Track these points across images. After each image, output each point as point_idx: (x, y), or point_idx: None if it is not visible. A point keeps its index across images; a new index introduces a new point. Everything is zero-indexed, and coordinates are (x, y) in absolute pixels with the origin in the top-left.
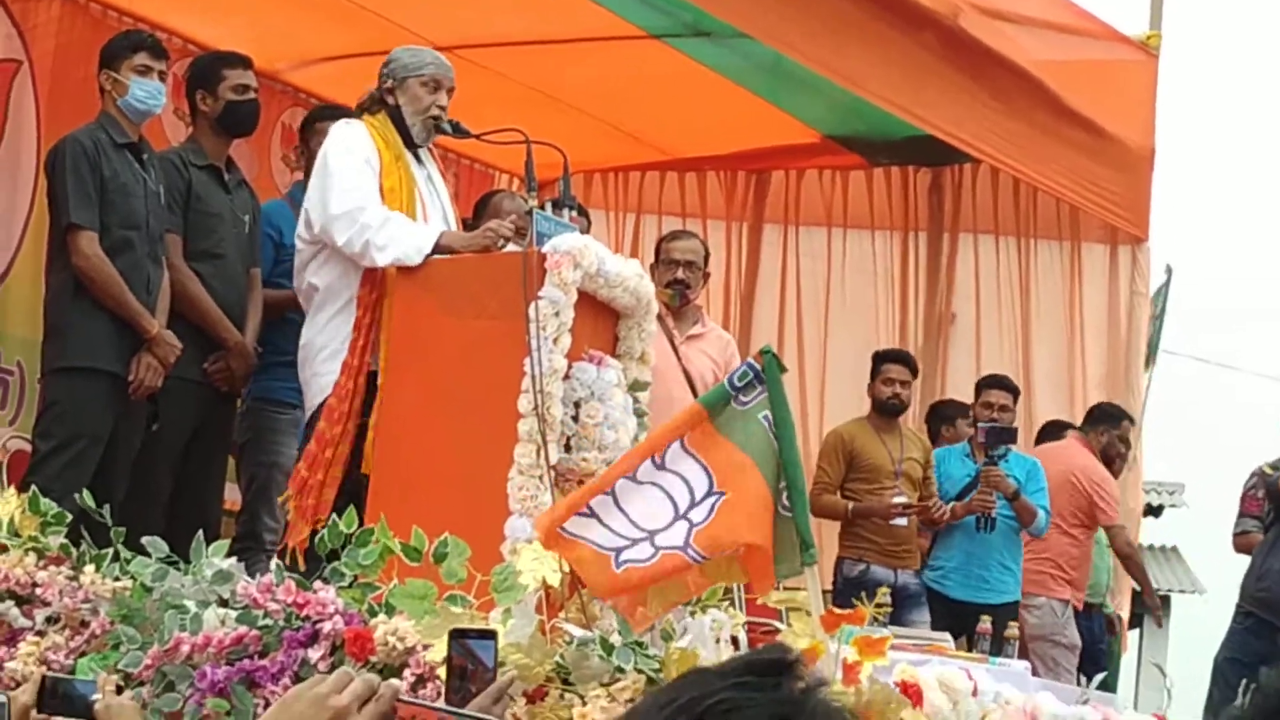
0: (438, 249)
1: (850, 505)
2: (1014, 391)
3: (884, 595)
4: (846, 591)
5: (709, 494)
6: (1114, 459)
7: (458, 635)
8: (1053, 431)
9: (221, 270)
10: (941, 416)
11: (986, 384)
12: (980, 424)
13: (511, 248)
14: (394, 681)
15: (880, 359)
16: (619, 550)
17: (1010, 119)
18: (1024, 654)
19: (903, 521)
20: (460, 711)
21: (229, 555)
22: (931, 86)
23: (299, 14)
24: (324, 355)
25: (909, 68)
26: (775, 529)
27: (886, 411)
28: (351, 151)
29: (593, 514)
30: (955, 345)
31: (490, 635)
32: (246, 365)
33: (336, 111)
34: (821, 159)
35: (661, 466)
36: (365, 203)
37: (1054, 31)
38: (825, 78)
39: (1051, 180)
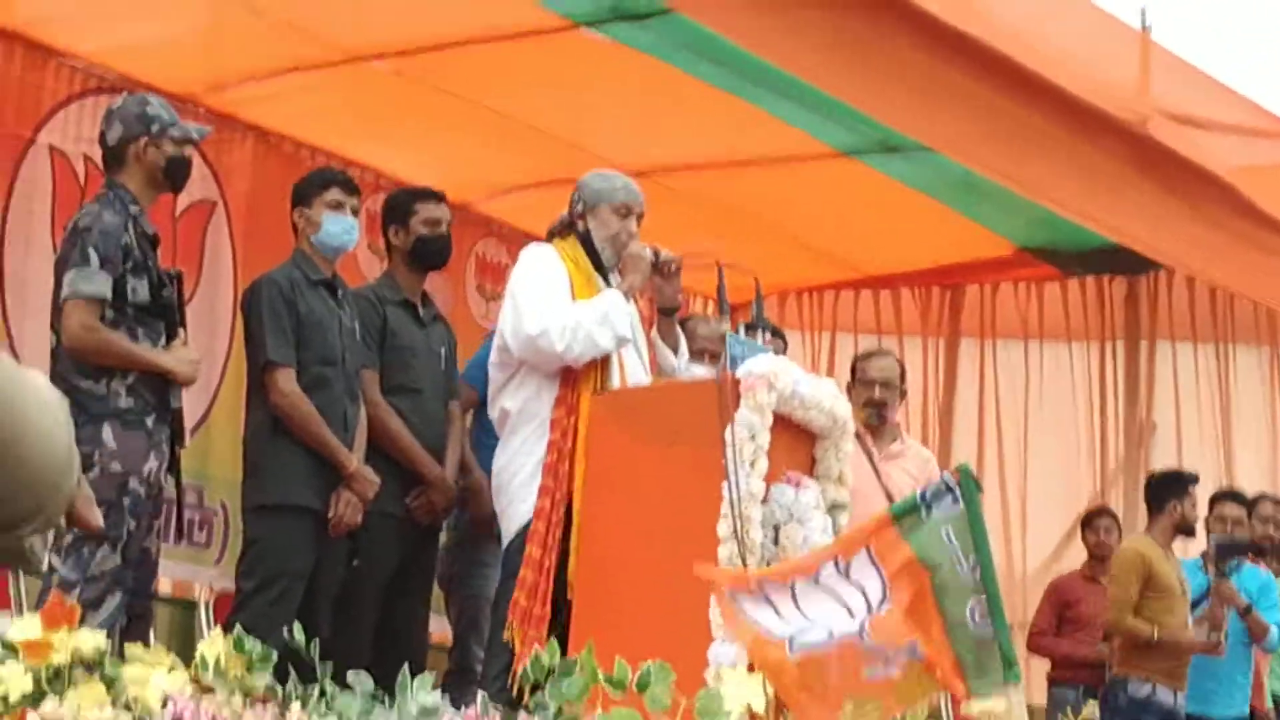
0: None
1: (1155, 632)
2: (1248, 505)
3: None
4: (1131, 712)
5: (884, 602)
6: None
7: None
8: None
9: (419, 405)
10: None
11: (1220, 498)
12: (1212, 537)
13: (703, 372)
14: None
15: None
16: (793, 636)
17: (1203, 226)
18: None
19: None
20: None
21: (442, 690)
22: (1122, 196)
23: (491, 144)
24: (519, 480)
25: (1098, 177)
26: (969, 644)
27: (1186, 533)
28: (542, 272)
29: (767, 600)
30: (1157, 455)
31: None
32: (448, 498)
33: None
34: (1016, 271)
35: (845, 575)
36: (564, 307)
37: (1246, 137)
38: (1015, 191)
39: (1247, 286)
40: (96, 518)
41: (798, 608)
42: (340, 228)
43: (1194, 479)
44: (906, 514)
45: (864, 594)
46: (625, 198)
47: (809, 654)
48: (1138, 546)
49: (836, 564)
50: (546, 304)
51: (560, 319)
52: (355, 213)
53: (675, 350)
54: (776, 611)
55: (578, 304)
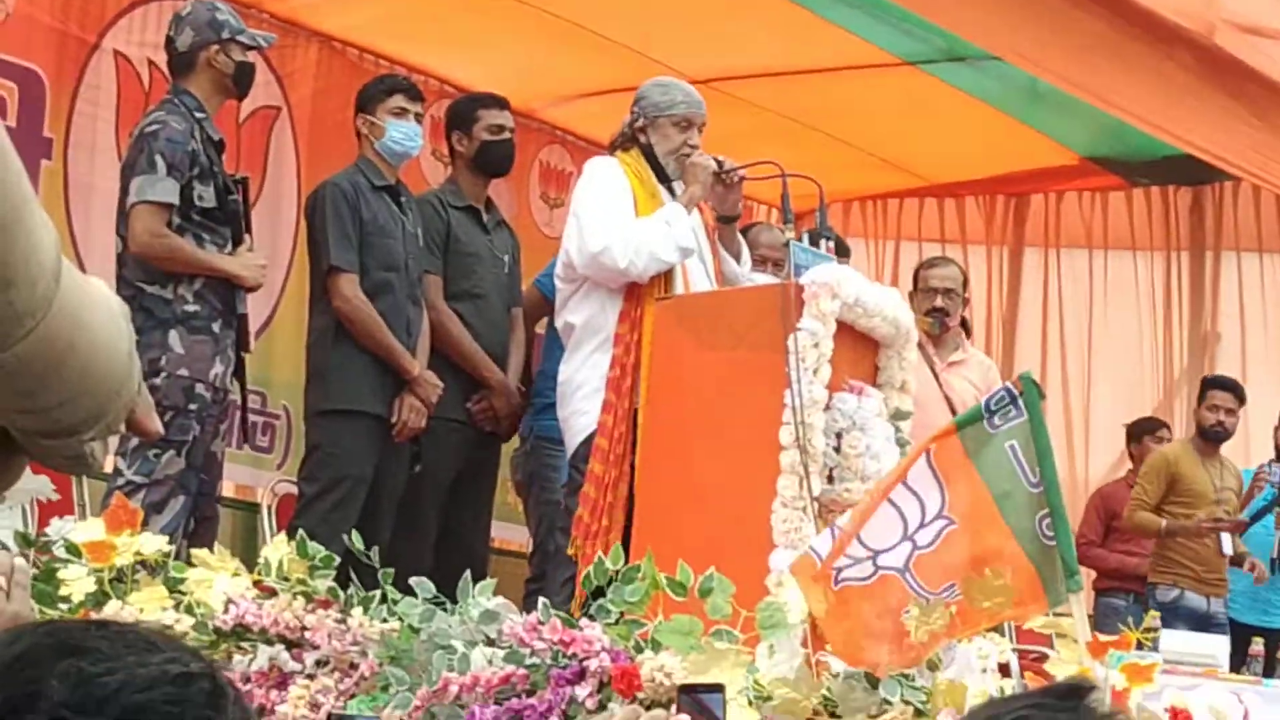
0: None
1: (1164, 524)
2: None
3: (1153, 619)
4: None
5: (939, 516)
6: None
7: (686, 690)
8: None
9: (482, 310)
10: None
11: None
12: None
13: (767, 279)
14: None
15: (1207, 384)
16: (841, 568)
17: (1270, 135)
18: None
19: (1230, 551)
20: None
21: (525, 595)
22: (1188, 105)
23: (554, 51)
24: (583, 393)
25: (1165, 87)
26: (1036, 556)
27: (1209, 438)
28: (605, 187)
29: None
30: (1220, 366)
31: (719, 689)
32: (510, 404)
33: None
34: (1080, 180)
35: (911, 490)
36: (626, 222)
37: None
38: (1081, 99)
39: None
40: (156, 424)
41: (861, 542)
42: (404, 134)
43: (1215, 382)
44: (970, 424)
45: (920, 501)
46: (686, 110)
47: (849, 587)
48: (1166, 450)
49: (905, 483)
50: (609, 220)
51: (623, 234)
52: (419, 119)
53: (738, 258)
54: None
55: (641, 219)
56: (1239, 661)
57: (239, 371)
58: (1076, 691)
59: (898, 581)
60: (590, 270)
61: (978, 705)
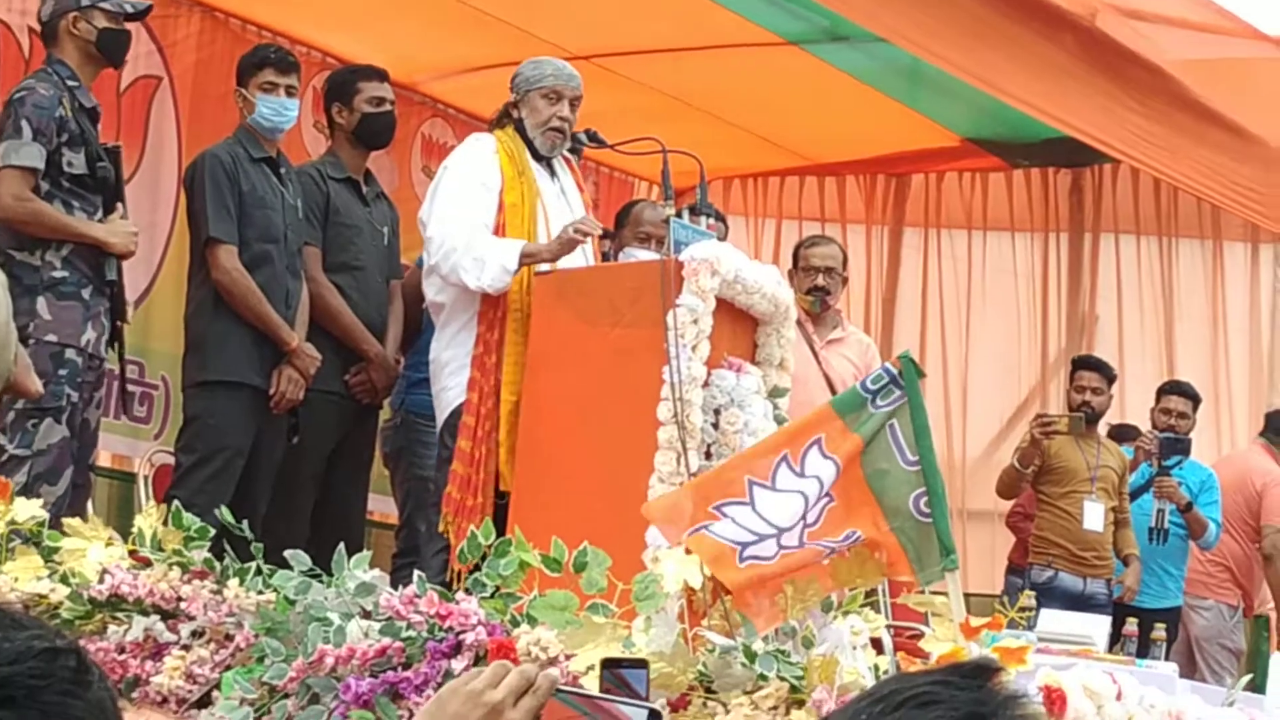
0: (524, 260)
1: (1014, 459)
2: (1194, 399)
3: (1028, 598)
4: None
5: (823, 495)
6: None
7: (610, 665)
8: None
9: (361, 282)
10: (1119, 439)
11: (1167, 390)
12: (1157, 433)
13: (648, 255)
14: (551, 671)
15: (1076, 365)
16: (744, 545)
17: (1149, 119)
18: (1190, 656)
19: (1097, 527)
20: (622, 700)
21: (392, 570)
22: (1070, 88)
23: (436, 26)
24: (450, 369)
25: (1047, 69)
26: (910, 535)
27: (1086, 419)
28: (465, 172)
29: (727, 516)
30: (1098, 346)
31: (643, 665)
32: (387, 377)
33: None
34: (961, 162)
35: (802, 474)
36: (460, 227)
37: (1193, 31)
38: (963, 81)
39: (1192, 180)
40: (35, 384)
41: (757, 513)
42: (272, 109)
43: (1082, 362)
44: (851, 408)
45: (820, 482)
46: (554, 83)
47: (755, 565)
48: None
49: (789, 464)
50: (450, 226)
51: (450, 246)
52: (291, 92)
53: None
54: (735, 522)
55: (477, 239)
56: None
57: (116, 341)
58: (983, 671)
59: (797, 554)
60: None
61: (884, 679)
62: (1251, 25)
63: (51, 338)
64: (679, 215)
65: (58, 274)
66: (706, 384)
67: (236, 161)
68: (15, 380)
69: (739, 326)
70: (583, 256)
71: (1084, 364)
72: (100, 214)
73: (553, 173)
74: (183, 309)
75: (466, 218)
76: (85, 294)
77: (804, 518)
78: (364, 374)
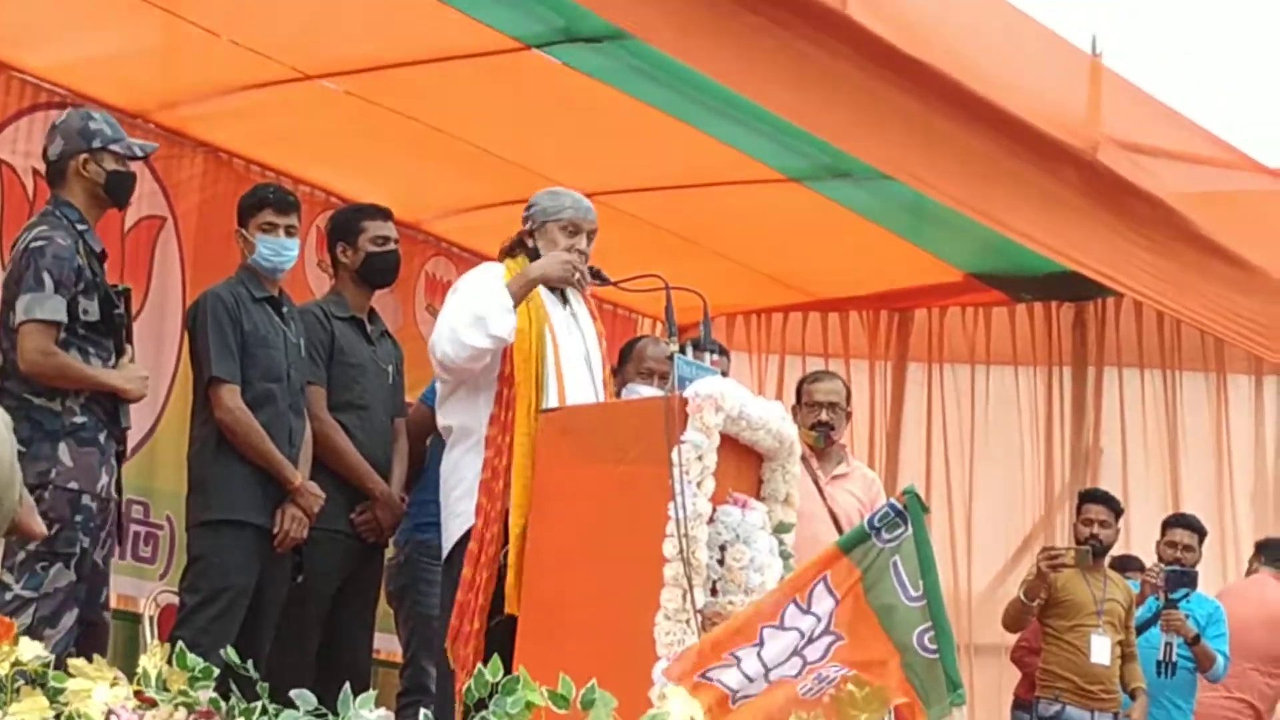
0: (515, 291)
1: (1020, 592)
2: (1200, 532)
3: None
4: None
5: (826, 631)
6: None
7: None
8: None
9: (366, 421)
10: (1121, 569)
11: (1172, 523)
12: (1163, 567)
13: (652, 391)
14: None
15: (1083, 498)
16: (737, 691)
17: (1152, 252)
18: None
19: (1104, 660)
20: None
21: (397, 710)
22: (1072, 222)
23: (441, 166)
24: (457, 493)
25: (1049, 203)
26: (918, 671)
27: (1093, 552)
28: (472, 294)
29: (736, 662)
30: (1103, 479)
31: None
32: (393, 515)
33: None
34: (964, 296)
35: (807, 610)
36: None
37: (1194, 164)
38: (966, 216)
39: (1195, 313)
40: (40, 526)
41: (760, 656)
42: (272, 249)
43: (1089, 495)
44: (856, 544)
45: (817, 618)
46: (573, 215)
47: (748, 701)
48: None
49: (798, 604)
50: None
51: (442, 322)
52: (291, 232)
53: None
54: (740, 667)
55: (471, 304)
56: None
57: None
58: None
59: (790, 685)
60: (435, 365)
61: None
62: (1253, 158)
63: (72, 484)
64: (682, 351)
65: (78, 419)
66: (712, 520)
67: (239, 301)
68: (19, 521)
69: (744, 462)
70: (590, 387)
71: (1091, 497)
72: (112, 358)
73: (564, 300)
74: (186, 448)
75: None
76: (101, 438)
77: (801, 653)
78: (369, 513)
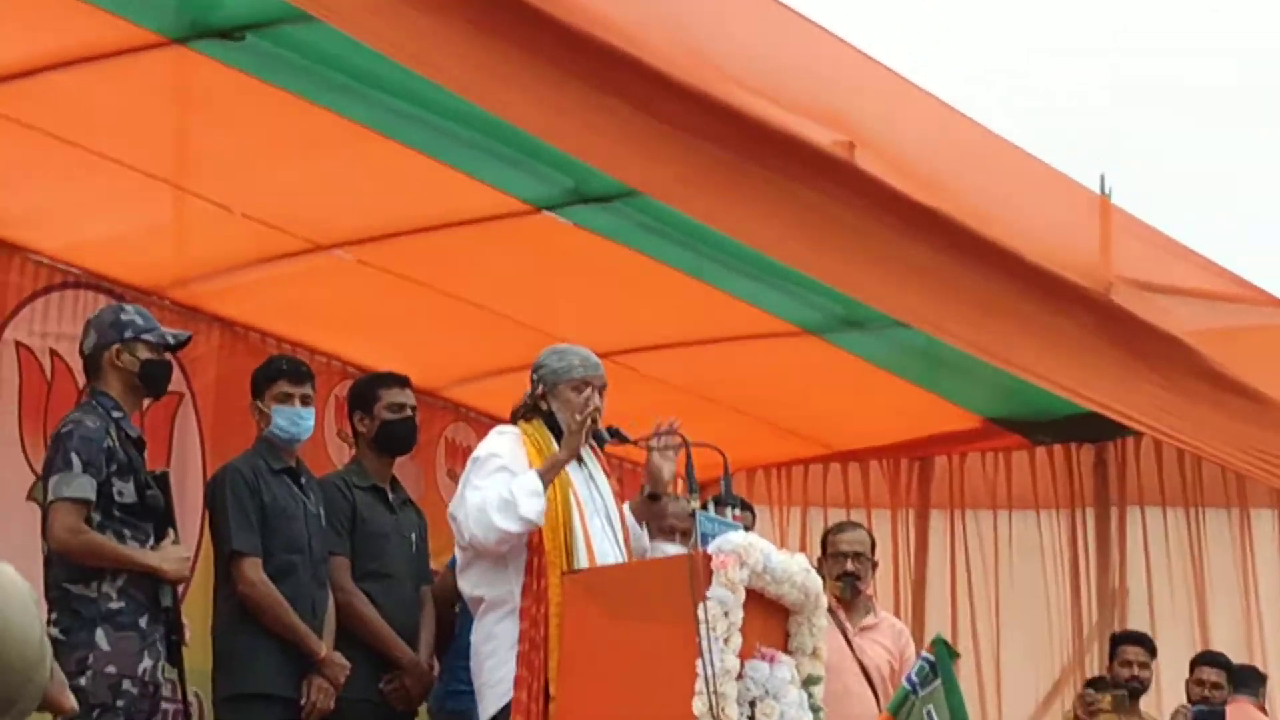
0: (546, 475)
1: None
2: (1228, 669)
3: None
4: None
5: None
6: None
7: None
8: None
9: (391, 590)
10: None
11: (1201, 661)
12: (1190, 707)
13: (675, 549)
14: None
15: (1118, 640)
16: None
17: (1169, 390)
18: None
19: None
20: None
21: None
22: (1088, 362)
23: (456, 331)
24: (492, 663)
25: (1064, 345)
26: None
27: (1129, 694)
28: (493, 463)
29: None
30: (1130, 620)
31: None
32: (422, 683)
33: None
34: (983, 442)
35: None
36: (475, 498)
37: (1208, 300)
38: (981, 360)
39: (1214, 448)
40: (70, 700)
41: None
42: (288, 420)
43: (1126, 637)
44: (900, 705)
45: None
46: (582, 374)
47: None
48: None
49: None
50: (472, 494)
51: (475, 506)
52: (307, 401)
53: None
54: None
55: (500, 487)
56: None
57: (175, 660)
58: None
59: None
60: (457, 537)
61: None
62: (1268, 292)
63: (111, 669)
64: (704, 508)
65: (114, 605)
66: (740, 676)
67: (257, 474)
68: (50, 696)
69: (770, 616)
70: (612, 547)
71: (1128, 639)
72: (151, 541)
73: (580, 460)
74: (210, 623)
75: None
76: (142, 623)
77: None
78: (398, 681)
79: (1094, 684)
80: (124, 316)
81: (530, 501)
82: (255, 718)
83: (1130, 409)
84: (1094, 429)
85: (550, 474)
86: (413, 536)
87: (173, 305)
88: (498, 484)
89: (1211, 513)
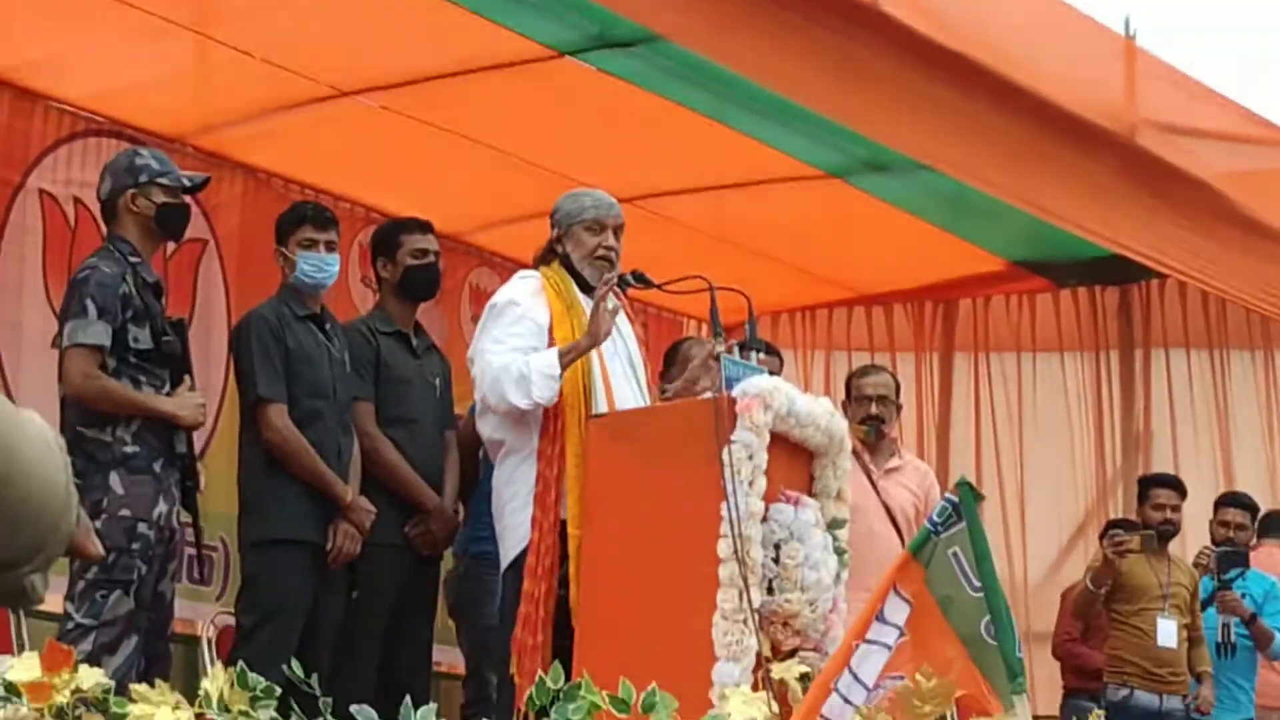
0: (565, 358)
1: (1087, 580)
2: (1252, 509)
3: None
4: (1112, 718)
5: (898, 630)
6: None
7: None
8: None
9: (415, 435)
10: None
11: (1224, 502)
12: (1214, 548)
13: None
14: None
15: (1148, 483)
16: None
17: (1194, 233)
18: None
19: (1171, 644)
20: None
21: None
22: (1113, 205)
23: (480, 176)
24: (513, 506)
25: (1089, 188)
26: (988, 658)
27: (1158, 536)
28: (511, 310)
29: (841, 695)
30: (1154, 462)
31: None
32: (447, 528)
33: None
34: (1008, 285)
35: (884, 620)
36: (498, 355)
37: (1233, 143)
38: (1007, 204)
39: (1239, 291)
40: (97, 547)
41: (857, 677)
42: (313, 265)
43: (1156, 480)
44: (922, 545)
45: (898, 629)
46: (595, 214)
47: None
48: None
49: (880, 617)
50: (500, 346)
51: (490, 367)
52: (331, 247)
53: None
54: (838, 691)
55: (514, 355)
56: None
57: (190, 507)
58: None
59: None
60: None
61: None
62: None
63: (125, 513)
64: (729, 351)
65: (128, 449)
66: (765, 519)
67: (282, 320)
68: (77, 543)
69: (794, 460)
70: (633, 390)
71: (1158, 482)
72: (168, 387)
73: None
74: (236, 469)
75: (507, 345)
76: (156, 467)
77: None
78: (423, 526)
79: (1120, 525)
80: (139, 160)
81: (544, 384)
82: (281, 563)
83: (1155, 251)
84: (1119, 271)
85: (569, 357)
86: (436, 382)
87: (196, 152)
88: (518, 346)
89: (1236, 355)
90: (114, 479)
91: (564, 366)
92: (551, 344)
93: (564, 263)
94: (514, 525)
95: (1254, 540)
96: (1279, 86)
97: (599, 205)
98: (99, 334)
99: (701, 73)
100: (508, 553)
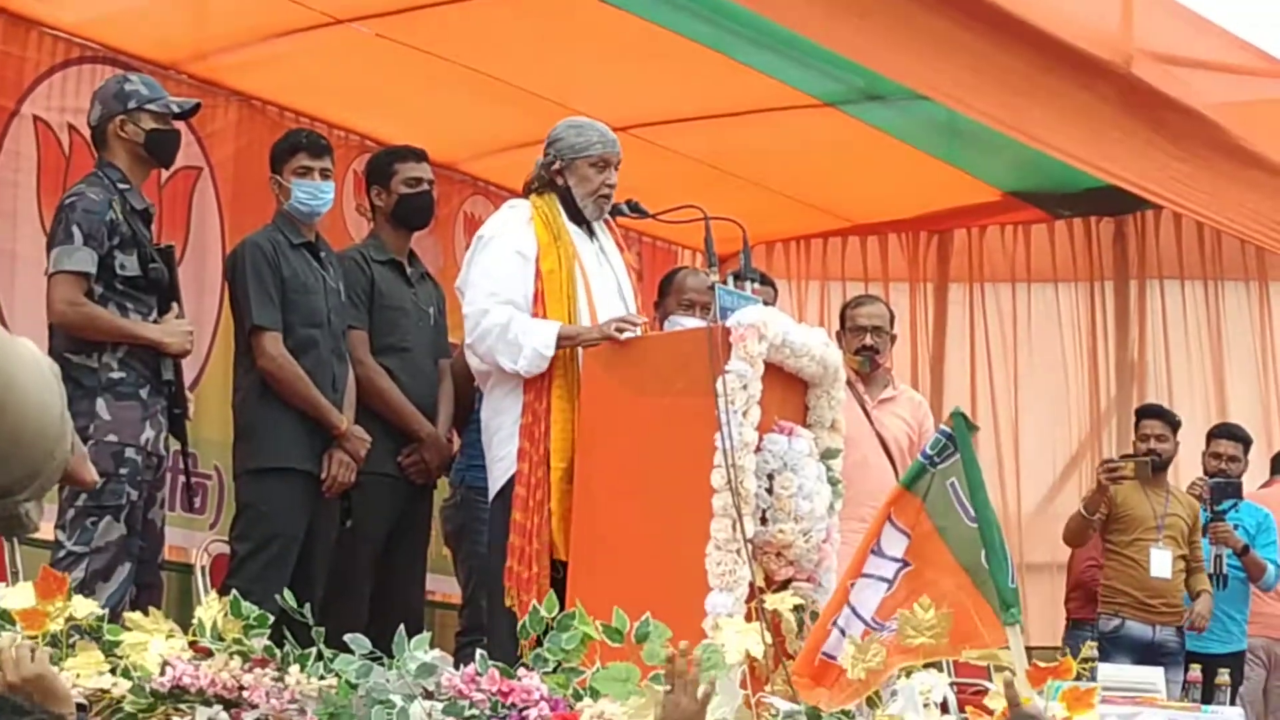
0: (561, 343)
1: (1081, 506)
2: (1245, 441)
3: (1091, 649)
4: (1104, 648)
5: (898, 561)
6: None
7: None
8: None
9: (409, 363)
10: None
11: (1217, 434)
12: (1207, 479)
13: (694, 323)
14: None
15: (1140, 414)
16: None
17: (1189, 164)
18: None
19: (1164, 574)
20: None
21: (457, 649)
22: (1109, 137)
23: (474, 104)
24: (500, 437)
25: (1086, 119)
26: (989, 587)
27: (1152, 466)
28: (501, 242)
29: (840, 630)
30: (1148, 393)
31: None
32: (440, 456)
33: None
34: (1003, 215)
35: (880, 553)
36: (496, 306)
37: (1229, 74)
38: (1002, 135)
39: (1234, 222)
40: (92, 473)
41: (855, 611)
42: (308, 193)
43: (1146, 411)
44: (916, 478)
45: (897, 562)
46: (602, 151)
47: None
48: None
49: (875, 549)
50: (491, 283)
51: (485, 316)
52: (326, 175)
53: None
54: (838, 626)
55: (516, 318)
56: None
57: (178, 433)
58: None
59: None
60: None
61: None
62: None
63: (111, 438)
64: (724, 281)
65: (115, 375)
66: (759, 449)
67: (276, 248)
68: (71, 469)
69: (789, 390)
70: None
71: (1147, 413)
72: (155, 314)
73: (592, 234)
74: (231, 397)
75: (503, 293)
76: (143, 394)
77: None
78: (417, 454)
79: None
80: (128, 87)
81: (534, 360)
82: (276, 491)
83: (1150, 182)
84: (1113, 202)
85: (568, 341)
86: (431, 310)
87: (190, 79)
88: (509, 294)
89: (1230, 286)
90: (100, 404)
91: (560, 345)
92: (537, 275)
93: (562, 196)
94: (500, 456)
95: (1267, 477)
96: (1276, 16)
97: (605, 142)
98: (84, 260)
99: (698, 1)
100: (495, 482)
